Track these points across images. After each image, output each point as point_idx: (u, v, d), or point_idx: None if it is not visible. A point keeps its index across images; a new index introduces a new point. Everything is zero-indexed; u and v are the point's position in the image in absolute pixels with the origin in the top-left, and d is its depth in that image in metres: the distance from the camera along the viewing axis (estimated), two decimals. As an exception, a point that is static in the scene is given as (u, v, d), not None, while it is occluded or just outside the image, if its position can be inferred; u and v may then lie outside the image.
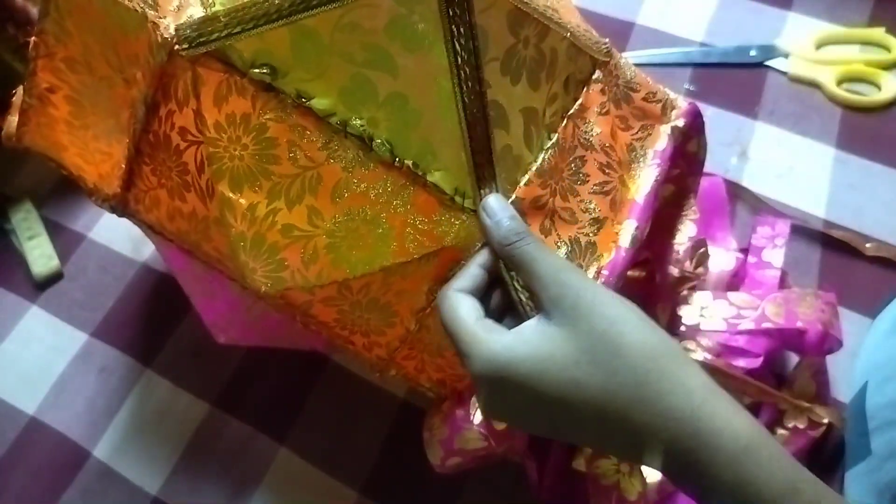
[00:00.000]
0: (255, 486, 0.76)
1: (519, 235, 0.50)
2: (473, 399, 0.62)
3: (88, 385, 0.82)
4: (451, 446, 0.62)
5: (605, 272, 0.58)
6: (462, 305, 0.49)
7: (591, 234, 0.59)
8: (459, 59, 0.50)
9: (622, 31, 1.02)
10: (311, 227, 0.52)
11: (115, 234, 0.91)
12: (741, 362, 0.71)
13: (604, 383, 0.44)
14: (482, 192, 0.53)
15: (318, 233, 0.52)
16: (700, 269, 0.75)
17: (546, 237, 0.56)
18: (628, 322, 0.45)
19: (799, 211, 0.87)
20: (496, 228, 0.51)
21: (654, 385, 0.43)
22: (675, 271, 0.74)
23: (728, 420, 0.43)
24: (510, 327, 0.49)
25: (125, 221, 0.62)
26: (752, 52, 0.98)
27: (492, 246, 0.52)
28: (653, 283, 0.75)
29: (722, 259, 0.80)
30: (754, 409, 0.71)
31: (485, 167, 0.53)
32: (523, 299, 0.50)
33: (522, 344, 0.46)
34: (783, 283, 0.78)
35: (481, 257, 0.52)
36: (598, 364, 0.44)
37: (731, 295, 0.75)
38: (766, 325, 0.71)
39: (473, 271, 0.52)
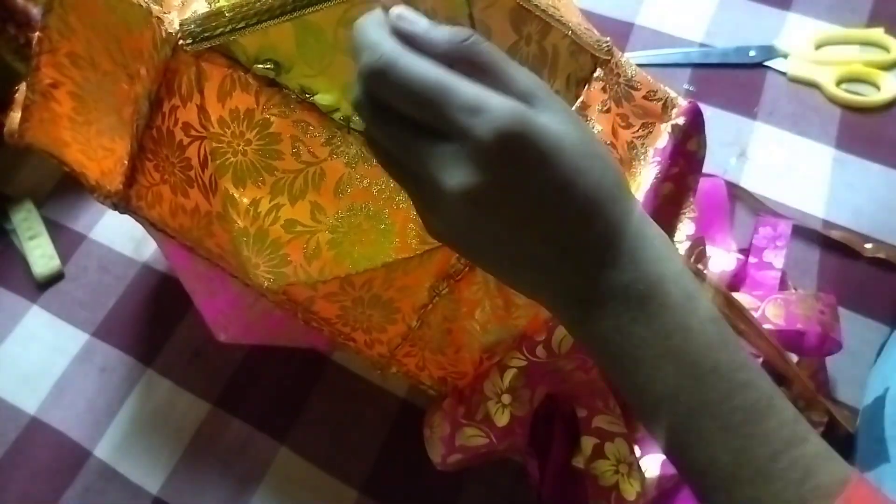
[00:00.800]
0: (255, 486, 0.76)
1: (479, 37, 0.41)
2: (475, 397, 0.62)
3: (89, 385, 0.82)
4: (452, 444, 0.62)
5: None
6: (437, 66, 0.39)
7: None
8: None
9: (622, 32, 1.02)
10: (314, 222, 0.52)
11: (116, 234, 0.91)
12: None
13: (599, 179, 0.40)
14: None
15: (320, 228, 0.52)
16: (699, 265, 0.75)
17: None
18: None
19: (798, 211, 0.87)
20: (441, 33, 0.41)
21: (625, 188, 0.42)
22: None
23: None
24: None
25: (126, 221, 0.62)
26: (752, 53, 0.98)
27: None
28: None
29: (722, 260, 0.80)
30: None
31: None
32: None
33: (541, 114, 0.39)
34: (783, 284, 0.78)
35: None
36: (597, 159, 0.41)
37: (733, 296, 0.75)
38: (766, 326, 0.71)
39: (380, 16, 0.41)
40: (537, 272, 0.42)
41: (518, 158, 0.38)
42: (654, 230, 0.43)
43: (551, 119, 0.39)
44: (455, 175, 0.39)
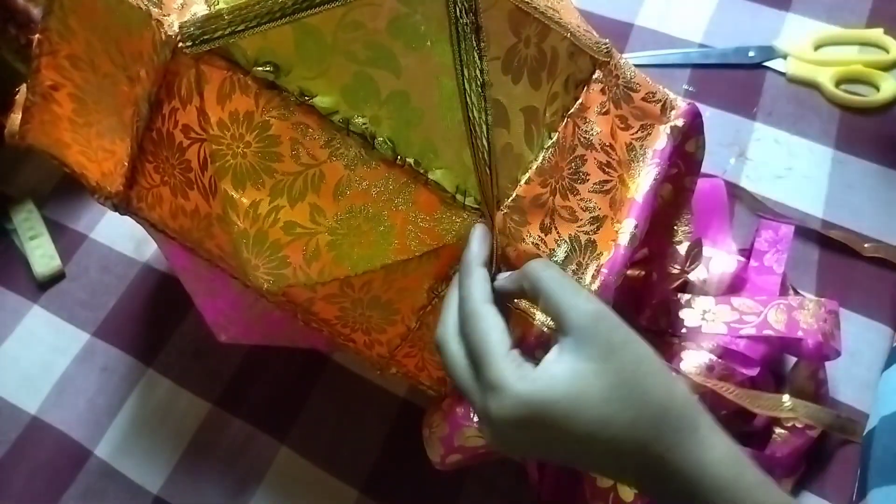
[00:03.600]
0: (256, 485, 0.76)
1: (546, 264, 0.50)
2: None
3: (90, 384, 0.83)
4: (451, 444, 0.62)
5: (604, 270, 0.59)
6: (494, 329, 0.48)
7: (590, 233, 0.59)
8: (464, 57, 0.50)
9: (621, 32, 1.03)
10: (314, 224, 0.52)
11: (116, 234, 0.92)
12: (741, 369, 0.71)
13: (632, 420, 0.44)
14: (484, 191, 0.53)
15: (320, 230, 0.52)
16: (695, 265, 0.76)
17: (546, 235, 0.56)
18: (654, 361, 0.46)
19: (797, 211, 0.87)
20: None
21: (677, 429, 0.44)
22: (672, 270, 0.75)
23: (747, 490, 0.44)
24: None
25: (127, 221, 0.62)
26: (751, 53, 0.98)
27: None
28: (650, 283, 0.76)
29: (723, 262, 0.80)
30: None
31: (486, 167, 0.53)
32: (542, 320, 0.53)
33: (556, 384, 0.44)
34: (783, 285, 0.78)
35: (480, 254, 0.52)
36: (627, 401, 0.44)
37: (735, 299, 0.75)
38: (767, 331, 0.72)
39: (481, 273, 0.51)
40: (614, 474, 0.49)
41: (529, 429, 0.45)
42: (716, 456, 0.45)
43: (576, 374, 0.45)
44: (484, 428, 0.48)
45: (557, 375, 0.45)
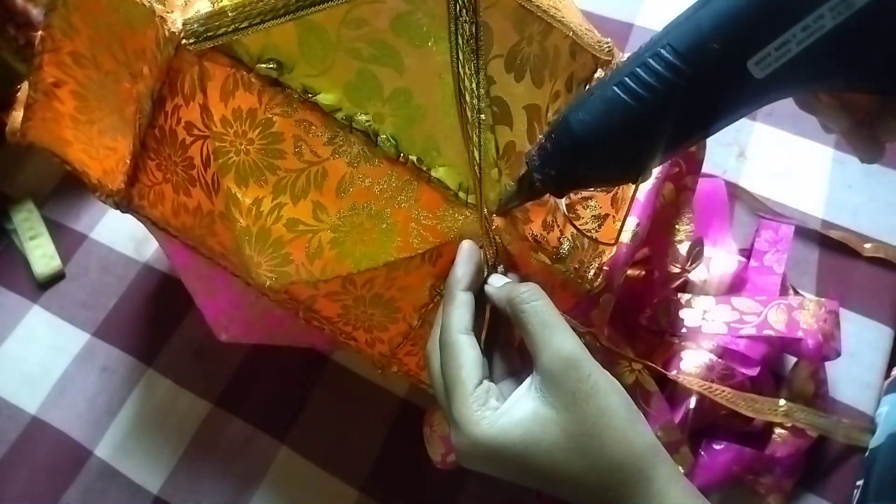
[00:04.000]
0: (256, 485, 0.76)
1: (532, 294, 0.49)
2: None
3: (90, 384, 0.83)
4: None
5: (605, 268, 0.59)
6: (466, 364, 0.48)
7: (592, 231, 0.59)
8: (462, 56, 0.50)
9: (622, 32, 1.03)
10: (316, 221, 0.52)
11: (116, 234, 0.92)
12: (740, 369, 0.72)
13: (584, 471, 0.45)
14: (483, 188, 0.53)
15: (322, 227, 0.52)
16: (696, 265, 0.76)
17: (548, 232, 0.56)
18: (618, 415, 0.45)
19: (797, 211, 0.88)
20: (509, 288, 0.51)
21: (628, 483, 0.45)
22: (673, 269, 0.75)
23: None
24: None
25: (127, 221, 0.62)
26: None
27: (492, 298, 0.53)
28: (651, 282, 0.76)
29: (723, 261, 0.81)
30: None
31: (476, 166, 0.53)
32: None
33: (513, 429, 0.45)
34: (783, 285, 0.78)
35: (463, 279, 0.52)
36: (580, 452, 0.45)
37: (735, 299, 0.76)
38: (767, 331, 0.72)
39: (463, 299, 0.51)
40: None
41: (480, 461, 0.47)
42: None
43: (536, 418, 0.46)
44: (455, 445, 0.48)
45: (516, 419, 0.46)
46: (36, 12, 0.85)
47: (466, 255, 0.52)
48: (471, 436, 0.46)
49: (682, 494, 0.45)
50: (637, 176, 0.49)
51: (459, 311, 0.50)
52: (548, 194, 0.52)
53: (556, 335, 0.47)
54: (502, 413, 0.46)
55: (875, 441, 0.72)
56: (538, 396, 0.46)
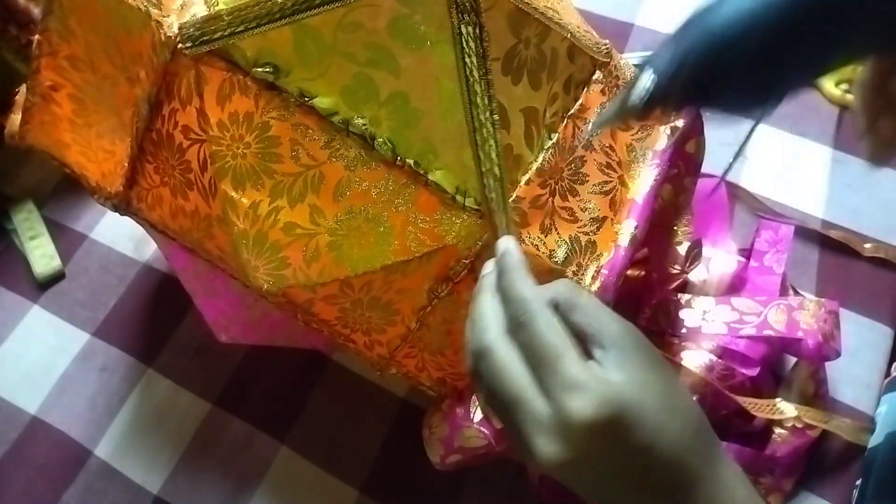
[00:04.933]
0: (256, 485, 0.76)
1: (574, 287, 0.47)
2: (473, 397, 0.62)
3: (90, 384, 0.83)
4: (451, 444, 0.62)
5: (604, 271, 0.59)
6: (560, 329, 0.44)
7: (591, 233, 0.59)
8: (467, 59, 0.50)
9: (621, 32, 1.02)
10: (314, 225, 0.52)
11: (116, 234, 0.92)
12: (740, 369, 0.72)
13: (681, 429, 0.43)
14: (486, 192, 0.53)
15: (320, 231, 0.52)
16: (694, 265, 0.76)
17: (546, 236, 0.56)
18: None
19: (797, 211, 0.87)
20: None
21: (708, 437, 0.45)
22: (672, 270, 0.75)
23: None
24: None
25: (127, 221, 0.62)
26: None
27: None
28: (650, 283, 0.76)
29: (723, 262, 0.81)
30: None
31: (491, 166, 0.53)
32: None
33: (625, 389, 0.42)
34: (783, 285, 0.78)
35: (522, 257, 0.49)
36: (674, 411, 0.44)
37: (735, 300, 0.75)
38: (767, 332, 0.72)
39: (529, 275, 0.48)
40: None
41: (605, 435, 0.42)
42: (731, 471, 0.45)
43: (634, 382, 0.43)
44: (547, 445, 0.42)
45: (623, 381, 0.43)
46: (37, 12, 0.85)
47: (515, 242, 0.50)
48: (598, 394, 0.41)
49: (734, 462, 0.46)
50: (773, 95, 0.47)
51: (529, 284, 0.47)
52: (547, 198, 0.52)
53: (609, 312, 0.46)
54: (611, 376, 0.43)
55: (874, 440, 0.71)
56: (623, 365, 0.43)
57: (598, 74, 0.61)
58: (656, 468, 0.43)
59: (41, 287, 0.89)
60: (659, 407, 0.43)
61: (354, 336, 0.61)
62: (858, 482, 0.71)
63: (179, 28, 0.47)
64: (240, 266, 0.54)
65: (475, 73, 0.51)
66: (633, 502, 0.44)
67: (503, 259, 0.48)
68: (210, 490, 0.76)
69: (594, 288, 0.57)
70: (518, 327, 0.45)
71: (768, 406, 0.71)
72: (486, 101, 0.51)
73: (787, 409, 0.71)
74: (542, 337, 0.44)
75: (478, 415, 0.61)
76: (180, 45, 0.47)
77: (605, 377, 0.42)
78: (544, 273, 0.56)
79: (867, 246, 0.84)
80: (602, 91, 0.62)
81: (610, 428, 0.42)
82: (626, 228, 0.60)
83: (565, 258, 0.57)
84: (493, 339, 0.45)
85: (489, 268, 0.49)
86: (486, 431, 0.61)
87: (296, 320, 0.59)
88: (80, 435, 0.80)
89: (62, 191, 0.95)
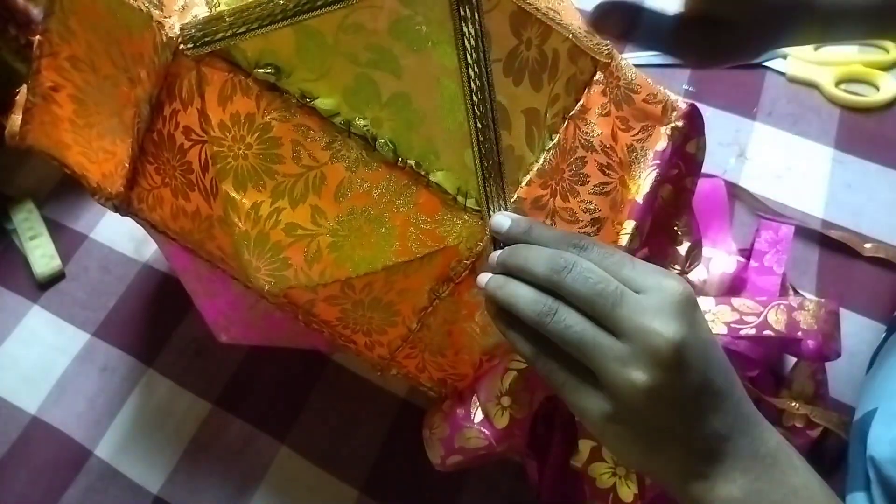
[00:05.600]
0: (256, 485, 0.76)
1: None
2: (474, 398, 0.62)
3: (90, 384, 0.83)
4: (452, 445, 0.62)
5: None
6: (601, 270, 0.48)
7: (591, 234, 0.59)
8: (469, 59, 0.50)
9: (621, 33, 1.02)
10: (315, 226, 0.52)
11: (116, 234, 0.92)
12: (741, 370, 0.72)
13: (721, 356, 0.47)
14: (488, 193, 0.53)
15: (321, 232, 0.52)
16: (694, 265, 0.76)
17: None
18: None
19: (797, 211, 0.88)
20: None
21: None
22: (673, 270, 0.75)
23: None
24: None
25: (127, 221, 0.62)
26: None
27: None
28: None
29: (723, 262, 0.80)
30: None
31: (493, 168, 0.53)
32: None
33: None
34: (783, 285, 0.78)
35: None
36: (715, 346, 0.47)
37: (735, 300, 0.75)
38: (767, 332, 0.72)
39: None
40: (695, 428, 0.47)
41: (685, 352, 0.45)
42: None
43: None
44: (671, 325, 0.45)
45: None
46: (37, 12, 0.85)
47: None
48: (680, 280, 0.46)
49: None
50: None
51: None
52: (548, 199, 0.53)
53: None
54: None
55: (857, 414, 0.71)
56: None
57: (599, 75, 0.62)
58: (723, 364, 0.47)
59: (41, 287, 0.89)
60: (706, 336, 0.47)
61: (355, 337, 0.61)
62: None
63: (181, 29, 0.47)
64: (241, 267, 0.54)
65: (476, 74, 0.51)
66: (713, 409, 0.47)
67: (522, 223, 0.51)
68: (210, 490, 0.76)
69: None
70: (583, 250, 0.48)
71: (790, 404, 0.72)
72: (488, 102, 0.52)
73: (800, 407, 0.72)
74: (610, 247, 0.49)
75: (478, 415, 0.61)
76: (182, 46, 0.47)
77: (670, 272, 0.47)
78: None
79: (867, 246, 0.84)
80: (603, 92, 0.62)
81: (696, 305, 0.46)
82: (627, 229, 0.60)
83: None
84: (571, 256, 0.47)
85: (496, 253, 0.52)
86: (486, 432, 0.61)
87: (296, 321, 0.59)
88: (80, 435, 0.80)
89: (62, 191, 0.95)
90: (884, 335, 0.76)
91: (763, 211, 0.87)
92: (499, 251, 0.51)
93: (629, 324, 0.45)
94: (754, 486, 0.46)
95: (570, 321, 0.47)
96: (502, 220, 0.52)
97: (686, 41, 0.62)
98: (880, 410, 0.65)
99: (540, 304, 0.47)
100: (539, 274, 0.48)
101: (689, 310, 0.45)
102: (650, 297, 0.46)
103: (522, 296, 0.48)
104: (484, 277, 0.51)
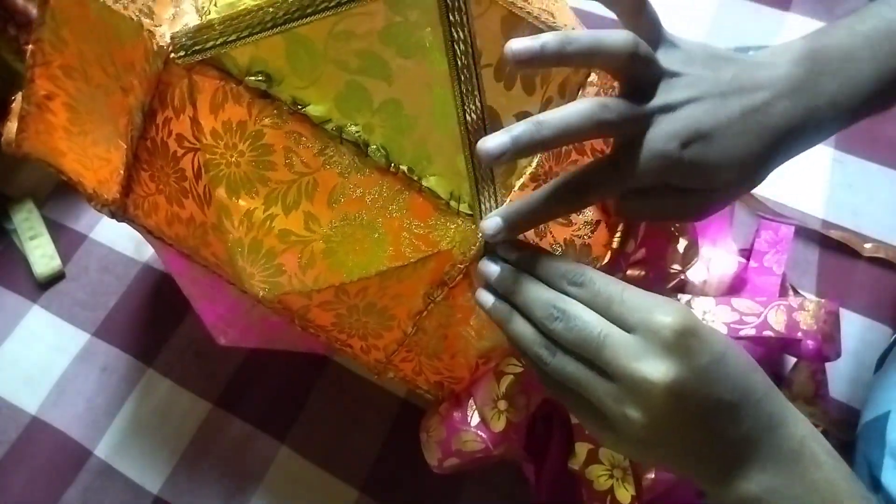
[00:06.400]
0: (256, 485, 0.76)
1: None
2: (471, 401, 0.62)
3: (90, 384, 0.83)
4: (449, 448, 0.62)
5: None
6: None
7: (585, 237, 0.59)
8: (460, 64, 0.50)
9: (621, 31, 1.02)
10: (308, 232, 0.52)
11: (116, 234, 0.92)
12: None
13: (739, 350, 0.48)
14: (481, 197, 0.53)
15: (314, 238, 0.52)
16: (692, 264, 0.76)
17: (541, 240, 0.56)
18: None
19: (797, 211, 0.87)
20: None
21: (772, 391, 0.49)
22: (671, 269, 0.75)
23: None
24: None
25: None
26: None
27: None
28: (649, 283, 0.76)
29: (723, 262, 0.80)
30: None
31: (485, 173, 0.53)
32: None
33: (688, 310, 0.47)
34: (782, 285, 0.78)
35: None
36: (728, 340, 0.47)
37: (735, 300, 0.75)
38: (767, 332, 0.72)
39: None
40: (711, 442, 0.47)
41: (691, 342, 0.45)
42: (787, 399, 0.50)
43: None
44: (651, 366, 0.45)
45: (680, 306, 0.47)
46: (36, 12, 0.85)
47: None
48: (674, 307, 0.46)
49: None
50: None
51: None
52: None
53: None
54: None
55: (867, 415, 0.71)
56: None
57: (593, 77, 0.61)
58: (734, 377, 0.46)
59: (41, 287, 0.89)
60: (714, 328, 0.47)
61: (351, 341, 0.61)
62: None
63: (171, 37, 0.47)
64: (236, 273, 0.54)
65: (467, 79, 0.51)
66: (726, 425, 0.46)
67: (525, 251, 0.51)
68: (210, 490, 0.77)
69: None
70: (579, 287, 0.48)
71: None
72: (479, 107, 0.51)
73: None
74: (602, 280, 0.48)
75: (475, 419, 0.61)
76: (172, 55, 0.47)
77: (666, 298, 0.47)
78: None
79: (867, 246, 0.84)
80: (597, 93, 0.61)
81: (693, 333, 0.45)
82: (621, 231, 0.60)
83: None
84: (563, 301, 0.48)
85: (496, 268, 0.51)
86: (483, 435, 0.61)
87: (293, 325, 0.59)
88: (80, 435, 0.80)
89: (62, 191, 0.95)
90: (893, 337, 0.75)
91: (763, 211, 0.86)
92: (493, 262, 0.51)
93: (615, 367, 0.45)
94: (773, 483, 0.47)
95: (565, 363, 0.48)
96: (509, 247, 0.52)
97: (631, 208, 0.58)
98: (893, 413, 0.65)
99: (538, 346, 0.49)
100: (535, 320, 0.49)
101: (681, 342, 0.45)
102: (637, 337, 0.46)
103: (524, 336, 0.49)
104: (487, 299, 0.51)
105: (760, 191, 0.88)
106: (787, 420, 0.48)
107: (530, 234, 0.56)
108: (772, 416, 0.47)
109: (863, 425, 0.69)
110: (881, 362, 0.73)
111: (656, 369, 0.44)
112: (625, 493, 0.63)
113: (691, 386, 0.45)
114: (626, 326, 0.46)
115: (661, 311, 0.46)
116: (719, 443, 0.47)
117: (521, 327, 0.50)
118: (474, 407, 0.62)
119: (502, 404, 0.60)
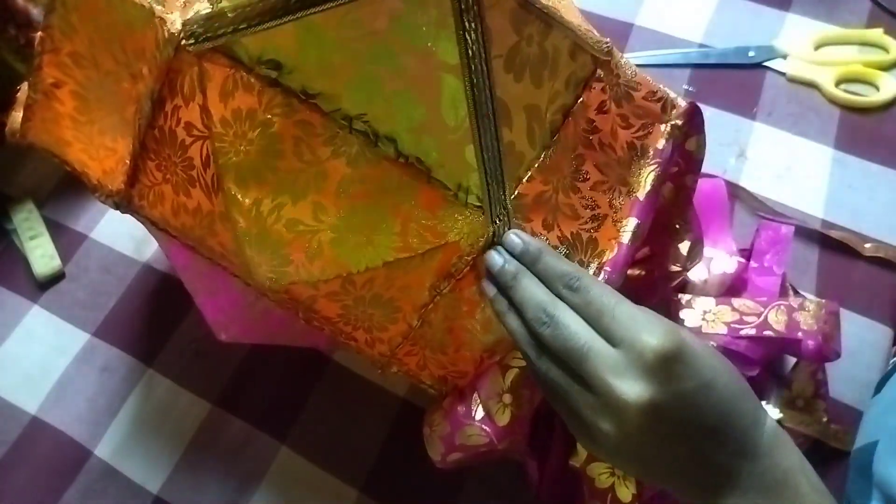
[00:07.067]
0: (256, 485, 0.76)
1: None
2: (475, 395, 0.62)
3: (90, 384, 0.82)
4: (453, 442, 0.62)
5: (606, 268, 0.59)
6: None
7: (592, 231, 0.59)
8: (471, 55, 0.50)
9: (621, 32, 1.03)
10: (316, 222, 0.52)
11: (116, 234, 0.92)
12: (740, 369, 0.71)
13: (730, 374, 0.48)
14: (490, 189, 0.53)
15: (322, 228, 0.52)
16: (695, 263, 0.76)
17: (548, 232, 0.57)
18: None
19: (797, 211, 0.87)
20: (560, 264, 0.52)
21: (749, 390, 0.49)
22: (673, 268, 0.75)
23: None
24: None
25: (127, 221, 0.62)
26: (751, 53, 0.98)
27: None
28: (651, 282, 0.76)
29: (723, 262, 0.81)
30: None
31: (494, 164, 0.53)
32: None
33: (680, 329, 0.47)
34: (783, 285, 0.78)
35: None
36: (721, 359, 0.49)
37: (735, 300, 0.76)
38: (767, 332, 0.72)
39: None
40: (688, 464, 0.48)
41: (676, 365, 0.46)
42: (781, 428, 0.50)
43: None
44: (626, 384, 0.46)
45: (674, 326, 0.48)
46: (36, 12, 0.85)
47: None
48: (664, 327, 0.47)
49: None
50: None
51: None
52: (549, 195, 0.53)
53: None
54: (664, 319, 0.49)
55: (858, 441, 0.71)
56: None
57: (599, 72, 0.61)
58: (719, 405, 0.47)
59: (41, 287, 0.89)
60: (709, 352, 0.48)
61: (356, 334, 0.61)
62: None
63: (183, 25, 0.47)
64: (243, 263, 0.54)
65: (478, 70, 0.51)
66: (705, 450, 0.47)
67: (530, 247, 0.52)
68: (210, 490, 0.76)
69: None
70: (573, 292, 0.49)
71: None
72: (489, 98, 0.52)
73: (770, 412, 0.72)
74: (598, 289, 0.49)
75: (479, 413, 0.61)
76: (183, 42, 0.47)
77: (660, 318, 0.48)
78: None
79: (867, 246, 0.84)
80: (603, 89, 0.62)
81: (678, 358, 0.46)
82: (628, 226, 0.60)
83: (566, 255, 0.57)
84: (554, 306, 0.49)
85: (500, 260, 0.53)
86: (487, 429, 0.61)
87: (297, 318, 0.59)
88: (80, 435, 0.80)
89: (62, 191, 0.95)
90: (892, 361, 0.75)
91: (763, 211, 0.87)
92: (497, 254, 0.53)
93: (594, 380, 0.46)
94: None
95: (549, 367, 0.50)
96: (515, 241, 0.53)
97: None
98: (881, 444, 0.64)
99: (527, 345, 0.51)
100: (526, 320, 0.51)
101: (664, 366, 0.46)
102: (620, 353, 0.47)
103: (516, 332, 0.52)
104: (490, 290, 0.54)
105: (760, 191, 0.88)
106: (773, 450, 0.48)
107: (538, 228, 0.56)
108: (758, 445, 0.48)
109: (855, 451, 0.69)
110: (880, 386, 0.73)
111: (632, 388, 0.45)
112: (626, 492, 0.63)
113: (668, 408, 0.46)
114: (612, 340, 0.47)
115: (648, 332, 0.46)
116: (703, 465, 0.47)
117: (515, 323, 0.51)
118: (478, 401, 0.62)
119: (507, 398, 0.60)
